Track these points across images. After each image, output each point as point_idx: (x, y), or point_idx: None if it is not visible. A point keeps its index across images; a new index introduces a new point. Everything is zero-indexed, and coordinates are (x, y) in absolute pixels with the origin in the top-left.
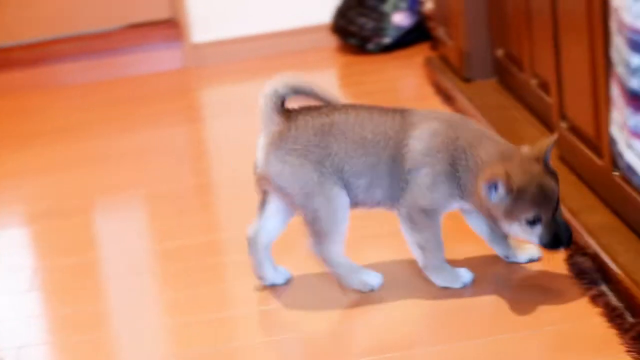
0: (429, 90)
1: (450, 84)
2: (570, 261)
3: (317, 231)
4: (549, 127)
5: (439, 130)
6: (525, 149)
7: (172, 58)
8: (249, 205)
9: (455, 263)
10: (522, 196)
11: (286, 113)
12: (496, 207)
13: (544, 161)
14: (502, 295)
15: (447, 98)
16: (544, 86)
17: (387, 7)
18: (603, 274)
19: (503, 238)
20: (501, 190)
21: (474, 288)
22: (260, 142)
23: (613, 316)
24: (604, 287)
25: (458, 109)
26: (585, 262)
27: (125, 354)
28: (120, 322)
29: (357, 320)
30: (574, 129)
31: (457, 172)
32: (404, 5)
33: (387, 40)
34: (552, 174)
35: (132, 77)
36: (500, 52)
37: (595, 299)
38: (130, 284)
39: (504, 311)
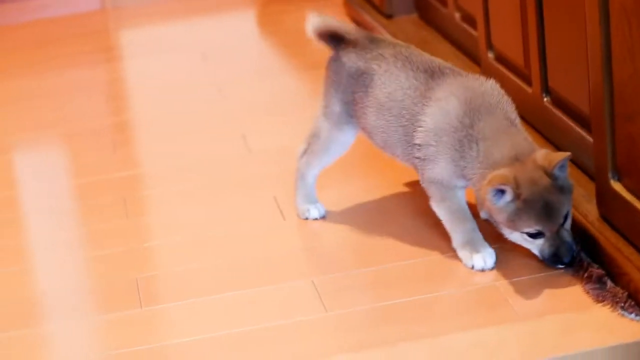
0: None
1: (372, 20)
2: None
3: (310, 145)
4: (474, 59)
5: (453, 112)
6: (540, 155)
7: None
8: (166, 142)
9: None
10: (527, 209)
11: (340, 41)
12: (499, 212)
13: (553, 175)
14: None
15: None
16: (467, 19)
17: None
18: None
19: None
20: (508, 197)
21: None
22: None
23: None
24: None
25: None
26: None
27: (43, 285)
28: (39, 256)
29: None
30: (501, 59)
31: (463, 159)
32: None
33: None
34: (563, 189)
35: (49, 18)
36: None
37: None
38: (49, 219)
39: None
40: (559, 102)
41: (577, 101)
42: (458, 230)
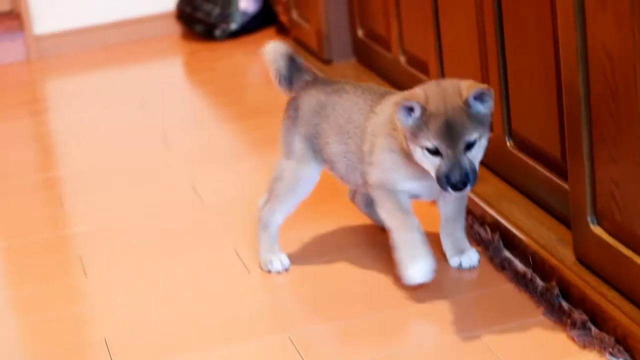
0: None
1: (310, 66)
2: (470, 231)
3: (273, 190)
4: None
5: (386, 112)
6: (464, 84)
7: (14, 50)
8: (97, 199)
9: None
10: (429, 123)
11: (300, 79)
12: (408, 131)
13: (467, 102)
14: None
15: None
16: (415, 62)
17: None
18: (506, 241)
19: (454, 233)
20: (417, 112)
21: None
22: None
23: (524, 281)
24: (507, 254)
25: None
26: (485, 231)
27: None
28: None
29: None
30: None
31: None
32: None
33: (233, 26)
34: (473, 116)
35: None
36: (360, 32)
37: (503, 266)
38: None
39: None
40: (522, 145)
41: (544, 144)
42: (401, 234)
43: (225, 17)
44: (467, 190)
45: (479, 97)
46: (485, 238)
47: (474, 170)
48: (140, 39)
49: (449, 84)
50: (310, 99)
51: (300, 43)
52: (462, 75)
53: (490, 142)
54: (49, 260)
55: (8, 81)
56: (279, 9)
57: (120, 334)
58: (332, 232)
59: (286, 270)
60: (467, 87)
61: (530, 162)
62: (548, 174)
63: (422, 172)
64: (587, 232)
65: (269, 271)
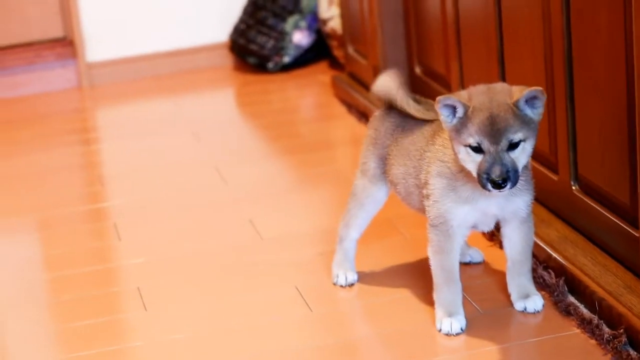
0: (340, 109)
1: (363, 100)
2: (535, 275)
3: (348, 205)
4: None
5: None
6: (516, 87)
7: (66, 77)
8: (146, 229)
9: None
10: (473, 118)
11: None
12: (451, 129)
13: (517, 104)
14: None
15: (363, 116)
16: None
17: (287, 27)
18: (571, 286)
19: (520, 276)
20: (459, 111)
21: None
22: None
23: (590, 327)
24: (572, 299)
25: None
26: (550, 275)
27: None
28: (13, 355)
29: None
30: None
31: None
32: (303, 24)
33: (286, 59)
34: (520, 117)
35: (24, 96)
36: (418, 69)
37: (568, 311)
38: (21, 313)
39: (478, 325)
40: (589, 190)
41: (613, 189)
42: (442, 289)
43: (279, 49)
44: (507, 188)
45: (531, 101)
46: (549, 282)
47: (515, 169)
48: (192, 70)
49: (500, 85)
50: (391, 120)
51: (355, 78)
52: None
53: (555, 185)
54: (104, 292)
55: (59, 108)
56: (333, 43)
57: None
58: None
59: (351, 285)
60: (520, 89)
61: (597, 207)
62: (615, 219)
63: (473, 194)
64: None
65: (335, 284)
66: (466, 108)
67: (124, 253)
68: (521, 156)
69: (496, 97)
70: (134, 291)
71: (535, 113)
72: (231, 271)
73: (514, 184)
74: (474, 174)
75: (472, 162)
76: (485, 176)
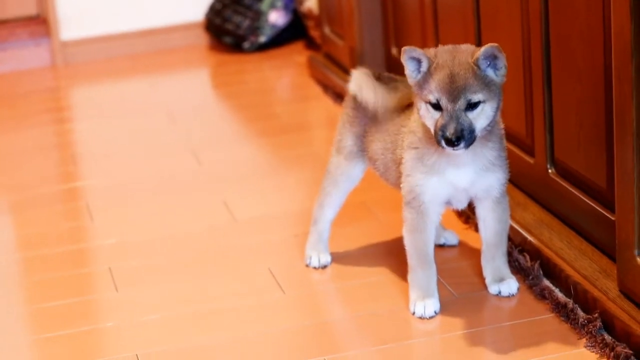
0: (316, 90)
1: (340, 82)
2: (510, 258)
3: (322, 184)
4: None
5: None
6: (477, 48)
7: (40, 55)
8: (119, 211)
9: None
10: (434, 75)
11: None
12: (415, 84)
13: (477, 63)
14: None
15: (338, 96)
16: None
17: (263, 6)
18: (546, 269)
19: (495, 260)
20: (424, 65)
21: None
22: None
23: (565, 312)
24: (548, 283)
25: None
26: (525, 259)
27: None
28: None
29: None
30: None
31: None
32: (280, 3)
33: (262, 39)
34: (481, 77)
35: None
36: (395, 51)
37: (543, 295)
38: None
39: (453, 308)
40: (565, 173)
41: (589, 173)
42: (416, 271)
43: (255, 29)
44: (460, 147)
45: (491, 59)
46: (524, 266)
47: (471, 129)
48: (167, 49)
49: (465, 46)
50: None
51: (331, 59)
52: (505, 102)
53: (531, 168)
54: (75, 273)
55: (32, 87)
56: (310, 23)
57: (151, 351)
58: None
59: (324, 267)
60: (482, 49)
61: (573, 190)
62: (592, 203)
63: (440, 163)
64: (632, 264)
65: (307, 265)
66: (430, 63)
67: (96, 234)
68: (480, 117)
69: (459, 56)
70: (105, 272)
71: (497, 74)
72: (204, 253)
73: (469, 143)
74: (432, 130)
75: (430, 118)
76: (440, 133)
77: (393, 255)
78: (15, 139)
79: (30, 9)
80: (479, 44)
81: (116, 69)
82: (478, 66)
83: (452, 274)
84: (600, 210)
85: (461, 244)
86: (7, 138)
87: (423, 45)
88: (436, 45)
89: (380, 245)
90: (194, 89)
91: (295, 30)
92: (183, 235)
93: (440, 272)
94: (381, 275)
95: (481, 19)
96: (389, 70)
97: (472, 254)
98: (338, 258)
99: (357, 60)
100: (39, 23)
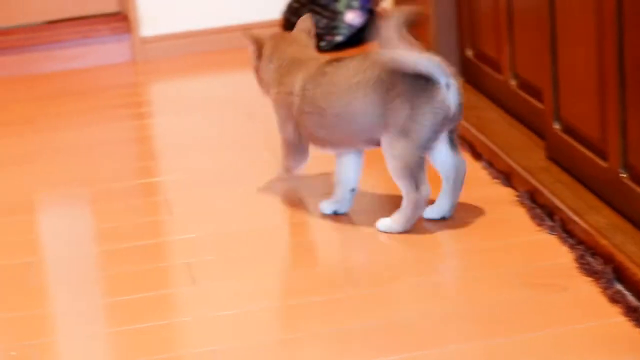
0: None
1: None
2: (582, 261)
3: None
4: (533, 128)
5: None
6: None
7: (120, 51)
8: (198, 205)
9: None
10: None
11: None
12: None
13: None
14: (515, 295)
15: None
16: (526, 87)
17: (340, 6)
18: (618, 274)
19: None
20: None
21: (481, 288)
22: (453, 85)
23: (636, 316)
24: (620, 287)
25: None
26: (597, 262)
27: None
28: (64, 328)
29: None
30: (570, 131)
31: None
32: (356, 3)
33: (339, 38)
34: None
35: (79, 69)
36: (469, 52)
37: (615, 299)
38: (74, 287)
39: (518, 311)
40: (638, 178)
41: None
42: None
43: (332, 29)
44: None
45: None
46: (597, 269)
47: None
48: (245, 47)
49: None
50: None
51: None
52: (577, 105)
53: (604, 172)
54: (153, 267)
55: (112, 82)
56: None
57: (229, 346)
58: None
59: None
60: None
61: None
62: None
63: None
64: None
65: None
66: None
67: (175, 228)
68: None
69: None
70: (183, 266)
71: None
72: (282, 248)
73: None
74: None
75: None
76: None
77: (470, 256)
78: (94, 132)
79: (111, 6)
80: (553, 46)
81: (195, 65)
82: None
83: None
84: None
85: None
86: (87, 131)
87: (497, 47)
88: (511, 48)
89: (455, 246)
90: None
91: (372, 30)
92: (261, 230)
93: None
94: (444, 274)
95: (557, 21)
96: (463, 72)
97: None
98: (405, 255)
99: None
100: (120, 20)
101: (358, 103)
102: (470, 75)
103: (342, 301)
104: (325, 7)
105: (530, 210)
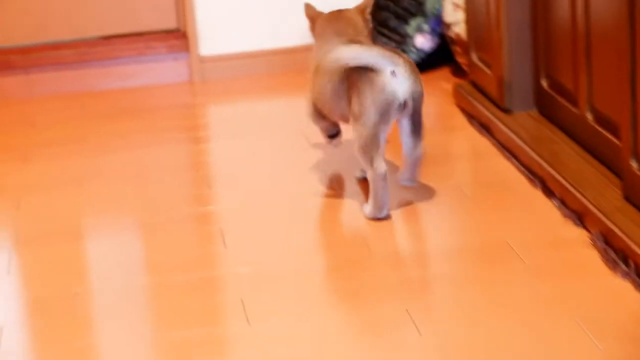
0: (461, 119)
1: (486, 112)
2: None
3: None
4: (610, 165)
5: None
6: None
7: (177, 70)
8: (254, 237)
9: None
10: None
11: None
12: None
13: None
14: (582, 344)
15: (484, 128)
16: (603, 122)
17: (409, 29)
18: None
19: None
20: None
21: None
22: (401, 73)
23: None
24: None
25: (498, 141)
26: None
27: None
28: None
29: None
30: None
31: None
32: (426, 27)
33: None
34: None
35: (133, 88)
36: (544, 82)
37: None
38: (121, 320)
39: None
40: None
41: None
42: None
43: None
44: None
45: None
46: None
47: None
48: (306, 68)
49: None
50: None
51: (478, 87)
52: None
53: None
54: (205, 302)
55: (168, 102)
56: (457, 49)
57: None
58: None
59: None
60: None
61: None
62: None
63: None
64: None
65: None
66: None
67: (229, 261)
68: None
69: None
70: (237, 302)
71: None
72: (341, 287)
73: None
74: None
75: None
76: None
77: (540, 302)
78: (148, 155)
79: (170, 22)
80: (633, 78)
81: (253, 87)
82: None
83: None
84: None
85: None
86: (140, 154)
87: (574, 77)
88: (588, 79)
89: (524, 291)
90: None
91: (442, 56)
92: (319, 267)
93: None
94: (525, 325)
95: (636, 51)
96: (538, 102)
97: None
98: (475, 299)
99: (505, 90)
100: (178, 37)
101: (329, 87)
102: (545, 106)
103: (403, 345)
104: (394, 30)
105: (603, 253)
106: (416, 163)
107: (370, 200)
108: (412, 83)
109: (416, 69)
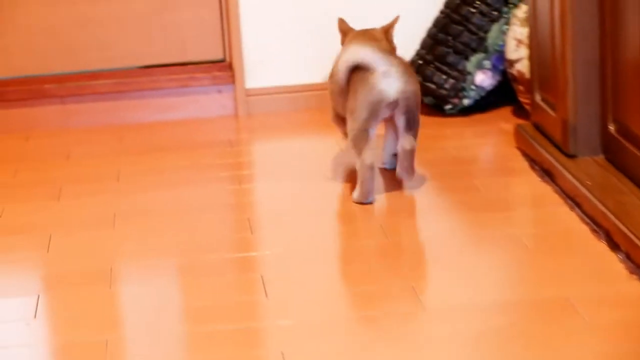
0: (522, 163)
1: (549, 157)
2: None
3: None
4: None
5: None
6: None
7: (222, 103)
8: (297, 286)
9: None
10: None
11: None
12: None
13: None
14: None
15: (546, 173)
16: None
17: (469, 65)
18: None
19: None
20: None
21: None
22: (393, 73)
23: None
24: None
25: (561, 188)
26: None
27: None
28: None
29: None
30: None
31: None
32: (487, 64)
33: (466, 101)
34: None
35: (174, 121)
36: (612, 127)
37: None
38: None
39: None
40: None
41: None
42: None
43: (458, 90)
44: None
45: None
46: None
47: None
48: None
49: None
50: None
51: (540, 130)
52: None
53: None
54: (244, 355)
55: (211, 137)
56: (519, 87)
57: None
58: None
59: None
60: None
61: None
62: None
63: None
64: None
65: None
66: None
67: (270, 311)
68: None
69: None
70: (278, 356)
71: None
72: (389, 342)
73: None
74: None
75: None
76: None
77: None
78: (187, 195)
79: (215, 53)
80: None
81: (301, 122)
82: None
83: None
84: None
85: None
86: (181, 192)
87: None
88: None
89: (583, 351)
90: None
91: (503, 94)
92: (364, 319)
93: None
94: None
95: None
96: (604, 148)
97: None
98: (528, 356)
99: (569, 134)
100: (223, 69)
101: (337, 87)
102: (612, 152)
103: None
104: (452, 66)
105: None
106: (408, 156)
107: (358, 187)
108: (403, 83)
109: (411, 70)
